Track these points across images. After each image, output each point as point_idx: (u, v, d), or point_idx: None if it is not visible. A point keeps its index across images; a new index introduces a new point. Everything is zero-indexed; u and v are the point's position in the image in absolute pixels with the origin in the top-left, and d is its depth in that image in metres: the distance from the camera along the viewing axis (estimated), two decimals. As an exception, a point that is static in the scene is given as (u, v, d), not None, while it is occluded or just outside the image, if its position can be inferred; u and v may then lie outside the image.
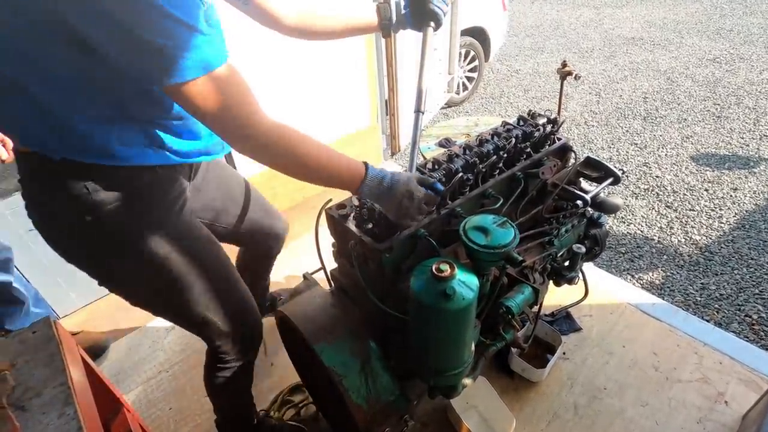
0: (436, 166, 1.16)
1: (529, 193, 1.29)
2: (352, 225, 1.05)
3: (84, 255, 0.95)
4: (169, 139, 0.90)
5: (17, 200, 1.75)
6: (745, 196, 2.91)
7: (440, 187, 1.01)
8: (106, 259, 0.96)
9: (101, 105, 0.80)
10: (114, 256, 0.95)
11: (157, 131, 0.88)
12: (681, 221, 2.75)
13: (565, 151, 1.42)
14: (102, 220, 0.87)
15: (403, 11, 1.18)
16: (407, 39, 2.99)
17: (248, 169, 2.08)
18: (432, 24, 1.16)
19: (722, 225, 2.69)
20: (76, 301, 2.03)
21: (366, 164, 0.94)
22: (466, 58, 4.44)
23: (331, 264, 1.25)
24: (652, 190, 3.05)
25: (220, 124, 0.78)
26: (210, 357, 1.23)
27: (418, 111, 1.08)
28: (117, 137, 0.83)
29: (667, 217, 2.80)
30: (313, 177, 0.90)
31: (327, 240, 1.16)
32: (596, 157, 1.41)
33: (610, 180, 1.39)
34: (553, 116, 1.39)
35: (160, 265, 0.97)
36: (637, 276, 2.40)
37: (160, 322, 1.97)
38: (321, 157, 0.88)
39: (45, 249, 1.93)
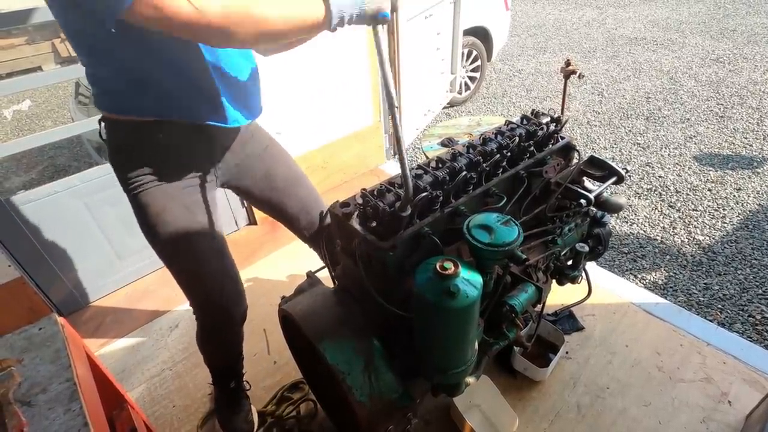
0: (440, 165, 1.17)
1: (532, 192, 1.29)
2: (355, 223, 1.05)
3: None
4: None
5: (21, 198, 1.76)
6: (749, 196, 2.90)
7: None
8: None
9: (100, 63, 0.93)
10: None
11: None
12: (684, 221, 2.75)
13: (568, 150, 1.42)
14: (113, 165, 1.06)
15: None
16: (409, 38, 2.99)
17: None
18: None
19: (725, 225, 2.68)
20: (80, 300, 2.04)
21: None
22: (468, 57, 4.44)
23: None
24: (655, 190, 3.05)
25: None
26: None
27: (393, 107, 0.91)
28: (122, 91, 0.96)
29: (670, 217, 2.80)
30: (280, 10, 0.79)
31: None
32: (600, 156, 1.41)
33: (613, 179, 1.39)
34: (556, 115, 1.39)
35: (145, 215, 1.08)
36: (640, 276, 2.40)
37: (164, 321, 1.97)
38: None
39: (49, 249, 1.94)
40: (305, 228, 1.38)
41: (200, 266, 1.14)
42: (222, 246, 1.18)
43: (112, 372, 1.71)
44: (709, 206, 2.85)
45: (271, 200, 1.31)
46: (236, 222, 2.48)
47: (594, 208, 1.40)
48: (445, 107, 4.44)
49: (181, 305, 2.03)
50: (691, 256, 2.49)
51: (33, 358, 0.89)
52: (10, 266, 1.76)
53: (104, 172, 1.91)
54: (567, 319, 1.80)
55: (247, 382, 1.56)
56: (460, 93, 4.51)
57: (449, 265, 0.88)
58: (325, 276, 1.30)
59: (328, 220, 1.33)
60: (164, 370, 1.76)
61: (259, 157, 1.24)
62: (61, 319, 0.98)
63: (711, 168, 3.23)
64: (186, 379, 1.71)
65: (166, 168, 1.05)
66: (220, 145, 1.14)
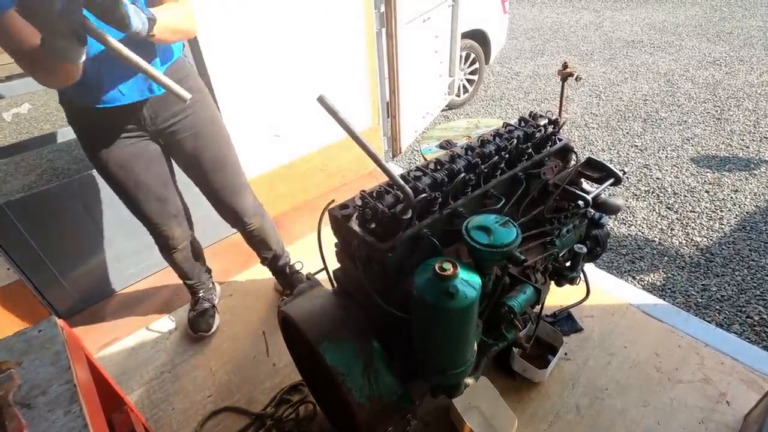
0: (439, 167, 1.17)
1: (530, 194, 1.30)
2: (354, 225, 1.06)
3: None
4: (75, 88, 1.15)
5: (20, 201, 1.75)
6: (746, 197, 2.92)
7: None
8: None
9: None
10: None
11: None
12: (682, 223, 2.76)
13: (566, 151, 1.42)
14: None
15: None
16: (408, 41, 3.01)
17: (250, 170, 2.09)
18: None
19: (723, 226, 2.70)
20: (79, 302, 2.04)
21: None
22: (466, 60, 4.46)
23: (334, 264, 1.26)
24: (653, 192, 3.06)
25: None
26: None
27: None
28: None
29: (668, 218, 2.81)
30: None
31: (329, 240, 1.17)
32: (597, 158, 1.42)
33: (611, 181, 1.40)
34: (554, 117, 1.40)
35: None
36: (638, 277, 2.41)
37: (162, 323, 1.97)
38: None
39: (48, 251, 1.94)
40: (217, 209, 1.67)
41: (132, 197, 1.48)
42: (142, 189, 1.46)
43: (111, 374, 1.70)
44: (706, 208, 2.86)
45: (193, 177, 1.56)
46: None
47: (592, 210, 1.41)
48: (443, 110, 4.46)
49: (179, 308, 2.03)
50: (689, 257, 2.50)
51: (32, 361, 0.89)
52: (8, 269, 1.76)
53: (103, 175, 1.91)
54: (566, 321, 1.80)
55: (211, 304, 1.93)
56: (458, 96, 4.52)
57: (448, 266, 0.89)
58: (323, 278, 1.31)
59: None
60: (163, 372, 1.76)
61: (185, 137, 1.44)
62: (60, 322, 0.98)
63: (708, 170, 3.25)
64: (185, 382, 1.71)
65: (94, 140, 1.37)
66: (121, 119, 1.34)
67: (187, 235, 1.69)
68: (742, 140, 3.58)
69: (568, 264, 1.37)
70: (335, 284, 1.29)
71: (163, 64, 1.31)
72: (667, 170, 3.28)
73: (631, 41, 6.12)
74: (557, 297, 1.79)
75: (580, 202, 1.32)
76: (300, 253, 2.08)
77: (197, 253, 1.83)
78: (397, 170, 0.98)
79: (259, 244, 1.81)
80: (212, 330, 1.88)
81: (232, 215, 1.67)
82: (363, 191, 1.07)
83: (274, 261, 1.90)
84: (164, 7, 1.18)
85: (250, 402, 1.61)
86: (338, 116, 0.85)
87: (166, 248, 1.66)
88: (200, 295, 1.90)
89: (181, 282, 1.86)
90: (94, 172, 1.90)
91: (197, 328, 1.85)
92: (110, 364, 1.80)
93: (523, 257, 0.99)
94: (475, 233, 0.96)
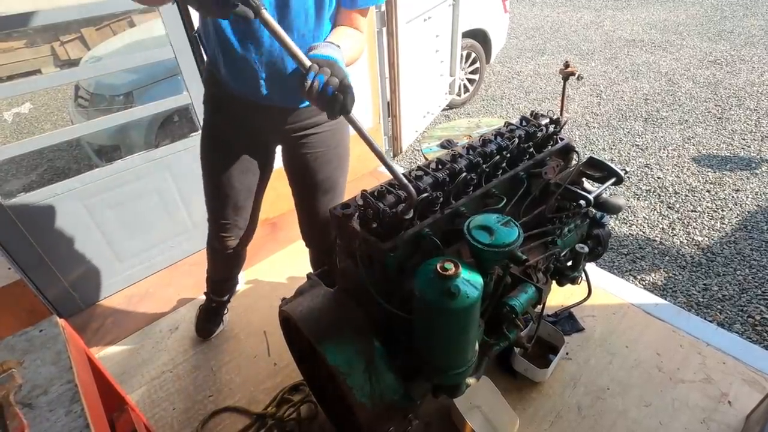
0: (440, 166, 1.17)
1: (532, 193, 1.29)
2: (356, 224, 1.05)
3: None
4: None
5: (21, 201, 1.76)
6: (747, 197, 2.91)
7: None
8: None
9: None
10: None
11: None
12: (683, 222, 2.75)
13: (567, 151, 1.42)
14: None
15: None
16: (409, 40, 3.00)
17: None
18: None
19: (724, 226, 2.69)
20: (80, 302, 2.04)
21: None
22: (467, 60, 4.45)
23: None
24: (654, 192, 3.06)
25: None
26: None
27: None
28: None
29: (669, 218, 2.80)
30: None
31: (331, 239, 1.17)
32: (599, 158, 1.42)
33: (612, 180, 1.39)
34: (555, 116, 1.39)
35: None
36: (639, 277, 2.40)
37: (164, 323, 1.97)
38: None
39: (49, 251, 1.94)
40: (303, 231, 1.61)
41: (211, 180, 1.46)
42: (223, 178, 1.42)
43: (113, 374, 1.70)
44: (707, 207, 2.86)
45: (296, 188, 1.51)
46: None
47: (593, 209, 1.41)
48: (444, 109, 4.45)
49: (181, 308, 2.03)
50: (690, 256, 2.49)
51: (34, 360, 0.89)
52: (10, 269, 1.76)
53: (104, 175, 1.91)
54: (567, 320, 1.80)
55: (225, 307, 1.91)
56: (459, 95, 4.52)
57: (450, 265, 0.89)
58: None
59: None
60: (164, 372, 1.76)
61: (308, 153, 1.39)
62: (61, 321, 0.98)
63: (709, 169, 3.24)
64: (186, 382, 1.71)
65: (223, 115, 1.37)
66: (260, 115, 1.32)
67: (242, 246, 1.63)
68: (744, 139, 3.58)
69: (569, 264, 1.36)
70: (336, 284, 1.28)
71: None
72: (668, 170, 3.28)
73: (632, 40, 6.11)
74: (558, 297, 1.79)
75: (582, 202, 1.32)
76: (301, 254, 2.08)
77: (239, 263, 1.76)
78: (398, 170, 0.98)
79: (319, 264, 1.71)
80: (215, 334, 1.88)
81: (317, 237, 1.60)
82: (364, 191, 1.07)
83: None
84: (345, 35, 1.14)
85: (251, 402, 1.61)
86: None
87: (216, 247, 1.61)
88: (214, 297, 1.85)
89: (182, 281, 1.86)
90: (95, 171, 1.90)
91: (199, 328, 1.87)
92: (111, 364, 1.80)
93: (524, 257, 0.99)
94: (477, 233, 0.96)
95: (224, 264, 1.72)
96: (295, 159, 1.41)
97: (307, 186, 1.46)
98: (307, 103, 1.26)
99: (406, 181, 0.96)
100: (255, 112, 1.30)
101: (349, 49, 1.12)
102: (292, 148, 1.39)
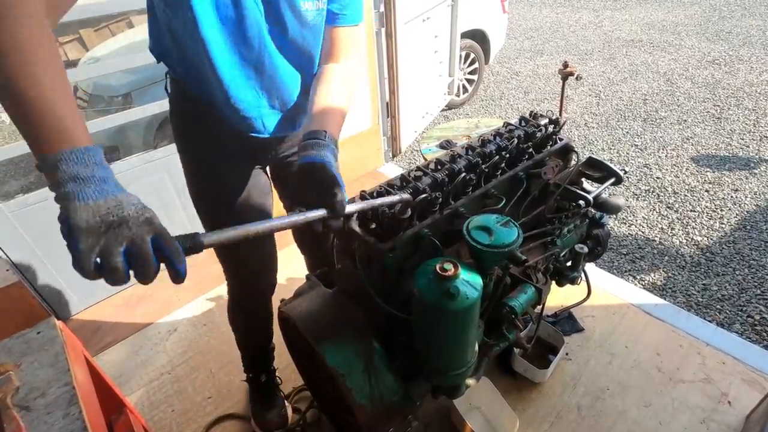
0: (439, 166, 1.17)
1: (531, 193, 1.29)
2: (355, 225, 1.05)
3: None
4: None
5: (19, 202, 1.75)
6: (746, 197, 2.91)
7: (181, 267, 0.59)
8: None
9: None
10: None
11: None
12: (682, 222, 2.75)
13: (567, 151, 1.42)
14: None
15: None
16: (407, 40, 3.00)
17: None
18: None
19: (723, 226, 2.69)
20: (78, 304, 2.03)
21: (96, 146, 0.58)
22: (466, 60, 4.45)
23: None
24: (653, 192, 3.06)
25: None
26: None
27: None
28: None
29: (668, 218, 2.80)
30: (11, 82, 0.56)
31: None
32: (598, 158, 1.42)
33: (612, 180, 1.39)
34: (554, 117, 1.39)
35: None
36: (638, 277, 2.40)
37: (162, 325, 1.97)
38: (29, 61, 0.56)
39: (47, 253, 1.94)
40: (297, 238, 1.52)
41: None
42: (254, 217, 1.20)
43: (111, 376, 1.70)
44: (706, 207, 2.86)
45: (288, 204, 1.36)
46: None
47: (593, 209, 1.40)
48: (443, 110, 4.45)
49: (179, 309, 2.03)
50: (690, 256, 2.49)
51: (31, 362, 0.88)
52: (7, 270, 1.75)
53: (102, 176, 1.91)
54: (567, 321, 1.80)
55: (279, 378, 1.59)
56: (457, 95, 4.52)
57: (449, 266, 0.88)
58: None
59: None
60: (163, 374, 1.75)
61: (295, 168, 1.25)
62: (59, 323, 0.97)
63: (708, 169, 3.24)
64: (185, 384, 1.71)
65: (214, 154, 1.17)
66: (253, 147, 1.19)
67: (271, 288, 1.39)
68: (742, 139, 3.58)
69: (569, 264, 1.36)
70: (335, 284, 1.28)
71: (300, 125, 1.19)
72: (667, 170, 3.28)
73: (631, 41, 6.12)
74: (558, 297, 1.79)
75: (581, 202, 1.32)
76: (300, 255, 2.07)
77: (269, 317, 1.47)
78: (397, 170, 0.97)
79: (315, 269, 1.50)
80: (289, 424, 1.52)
81: (311, 244, 1.49)
82: (363, 191, 1.07)
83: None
84: (333, 88, 1.01)
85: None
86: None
87: (264, 291, 1.36)
88: (273, 375, 1.57)
89: (181, 284, 1.84)
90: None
91: (272, 424, 1.50)
92: (109, 366, 1.79)
93: (524, 257, 0.99)
94: (476, 233, 0.96)
95: (259, 312, 1.42)
96: (287, 177, 1.31)
97: (308, 200, 1.34)
98: (300, 128, 1.17)
99: (395, 197, 0.94)
100: (251, 145, 1.17)
101: (341, 102, 1.01)
102: (282, 167, 1.30)
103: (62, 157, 0.55)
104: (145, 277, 0.57)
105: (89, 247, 0.53)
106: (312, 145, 0.87)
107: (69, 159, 0.55)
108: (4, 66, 0.55)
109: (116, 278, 0.55)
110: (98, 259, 0.54)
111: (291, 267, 2.19)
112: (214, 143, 1.13)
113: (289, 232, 1.61)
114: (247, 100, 1.02)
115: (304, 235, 1.53)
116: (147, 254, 0.55)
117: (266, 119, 1.08)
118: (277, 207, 1.30)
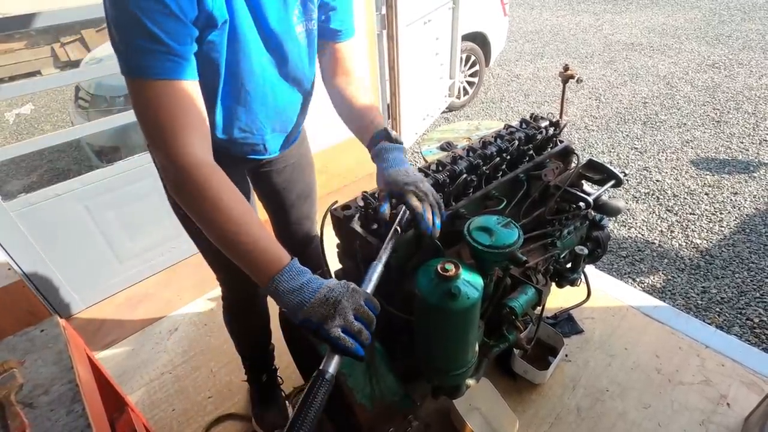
0: (440, 168, 1.18)
1: (531, 195, 1.30)
2: (357, 226, 1.06)
3: None
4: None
5: (22, 201, 1.76)
6: (746, 200, 2.92)
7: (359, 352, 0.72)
8: None
9: None
10: None
11: None
12: (682, 225, 2.76)
13: (567, 153, 1.43)
14: None
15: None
16: (409, 43, 3.01)
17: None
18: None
19: (723, 229, 2.70)
20: (80, 302, 2.04)
21: (291, 260, 0.78)
22: (466, 62, 4.47)
23: (336, 265, 1.26)
24: (653, 194, 3.07)
25: (146, 135, 0.81)
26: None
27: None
28: None
29: (668, 220, 2.81)
30: (226, 243, 0.78)
31: (331, 241, 1.17)
32: (598, 160, 1.43)
33: (612, 182, 1.40)
34: (555, 119, 1.40)
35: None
36: (638, 279, 2.41)
37: (163, 324, 1.97)
38: (241, 223, 0.77)
39: (49, 252, 1.94)
40: (285, 237, 1.42)
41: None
42: None
43: (112, 375, 1.70)
44: (706, 210, 2.87)
45: (274, 206, 1.36)
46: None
47: (593, 212, 1.41)
48: (443, 112, 4.47)
49: (181, 309, 2.03)
50: (689, 259, 2.50)
51: (35, 360, 0.89)
52: (10, 269, 1.76)
53: (104, 176, 1.91)
54: (566, 322, 1.80)
55: (281, 378, 1.59)
56: (458, 98, 4.53)
57: (450, 266, 0.89)
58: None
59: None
60: (164, 373, 1.75)
61: (281, 168, 1.28)
62: (62, 321, 0.98)
63: (708, 172, 3.25)
64: (186, 383, 1.71)
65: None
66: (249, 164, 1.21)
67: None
68: (742, 143, 3.59)
69: (569, 265, 1.37)
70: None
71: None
72: (666, 173, 3.29)
73: (631, 44, 6.14)
74: (558, 299, 1.79)
75: (581, 204, 1.32)
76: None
77: (265, 320, 1.49)
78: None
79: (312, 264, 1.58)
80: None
81: (301, 242, 1.44)
82: (365, 192, 1.07)
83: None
84: (366, 103, 1.09)
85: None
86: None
87: (260, 297, 1.40)
88: (274, 374, 1.58)
89: (182, 282, 1.84)
90: (96, 172, 1.90)
91: (272, 424, 1.49)
92: (111, 365, 1.80)
93: (524, 258, 1.00)
94: (477, 234, 0.96)
95: (256, 319, 1.45)
96: (269, 179, 1.29)
97: (289, 199, 1.34)
98: (295, 142, 1.22)
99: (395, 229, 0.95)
100: (248, 164, 1.19)
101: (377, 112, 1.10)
102: (264, 173, 1.28)
103: (277, 281, 0.74)
104: (372, 330, 0.74)
105: (333, 329, 0.70)
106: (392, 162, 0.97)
107: (281, 280, 0.74)
108: (227, 234, 0.77)
109: (363, 338, 0.72)
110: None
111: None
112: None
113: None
114: (250, 131, 1.05)
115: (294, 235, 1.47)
116: (366, 312, 0.74)
117: (269, 143, 1.11)
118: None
